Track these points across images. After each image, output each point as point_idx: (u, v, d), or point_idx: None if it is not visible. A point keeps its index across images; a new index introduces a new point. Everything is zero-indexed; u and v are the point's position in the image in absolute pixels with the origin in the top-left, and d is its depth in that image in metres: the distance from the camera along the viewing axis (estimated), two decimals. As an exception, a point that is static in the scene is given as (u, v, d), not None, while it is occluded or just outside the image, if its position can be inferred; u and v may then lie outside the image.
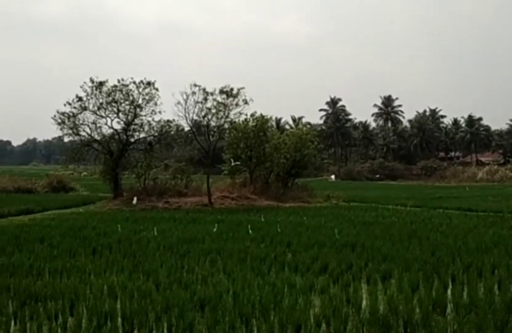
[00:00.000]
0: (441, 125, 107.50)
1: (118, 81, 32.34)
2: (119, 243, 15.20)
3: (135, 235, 16.96)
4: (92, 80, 32.16)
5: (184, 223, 20.75)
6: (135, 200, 29.93)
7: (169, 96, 32.74)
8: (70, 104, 32.38)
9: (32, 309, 8.55)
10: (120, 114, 32.79)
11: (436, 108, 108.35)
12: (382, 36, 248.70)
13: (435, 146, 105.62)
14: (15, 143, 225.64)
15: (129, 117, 32.91)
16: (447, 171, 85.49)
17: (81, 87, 32.24)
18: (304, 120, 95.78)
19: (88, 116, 32.81)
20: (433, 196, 39.06)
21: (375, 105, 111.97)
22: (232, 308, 8.36)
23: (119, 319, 8.03)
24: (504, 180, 71.10)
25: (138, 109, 32.76)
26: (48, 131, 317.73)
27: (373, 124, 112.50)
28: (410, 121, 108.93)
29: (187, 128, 36.88)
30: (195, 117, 32.72)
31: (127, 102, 32.61)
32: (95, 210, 28.52)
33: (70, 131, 33.26)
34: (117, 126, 33.43)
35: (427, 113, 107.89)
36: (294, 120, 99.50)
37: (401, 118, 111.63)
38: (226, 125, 33.74)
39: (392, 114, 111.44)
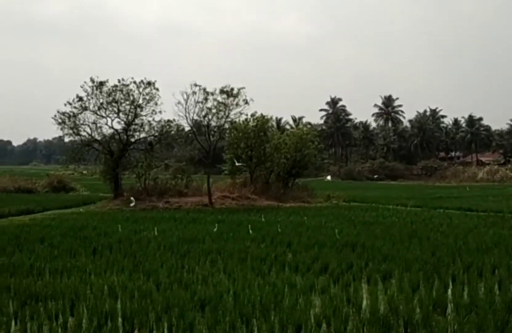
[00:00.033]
0: (442, 125, 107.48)
1: (119, 81, 32.39)
2: (120, 243, 15.20)
3: (135, 235, 16.96)
4: (92, 80, 32.22)
5: (184, 223, 20.75)
6: (133, 202, 29.80)
7: (169, 96, 32.78)
8: (70, 104, 32.43)
9: (33, 309, 8.55)
10: (121, 114, 32.82)
11: (437, 108, 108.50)
12: (383, 36, 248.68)
13: (435, 146, 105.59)
14: (16, 143, 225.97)
15: (130, 117, 32.92)
16: (447, 171, 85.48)
17: (81, 87, 32.31)
18: (304, 120, 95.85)
19: (89, 116, 32.88)
20: (434, 196, 39.05)
21: (375, 105, 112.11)
22: (232, 308, 8.36)
23: (120, 319, 8.03)
24: (504, 179, 71.08)
25: (138, 109, 32.78)
26: (49, 131, 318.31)
27: (374, 124, 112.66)
28: (410, 121, 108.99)
29: (187, 128, 36.89)
30: (196, 117, 32.78)
31: (127, 102, 32.62)
32: (95, 210, 28.53)
33: (71, 131, 33.28)
34: (118, 126, 33.50)
35: (428, 113, 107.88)
36: (294, 120, 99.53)
37: (401, 118, 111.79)
38: (226, 125, 33.74)
39: (392, 114, 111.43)
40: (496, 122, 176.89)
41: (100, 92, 32.27)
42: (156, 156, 36.11)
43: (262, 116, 34.97)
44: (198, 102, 31.73)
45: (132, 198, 30.25)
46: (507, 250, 13.56)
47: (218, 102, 31.91)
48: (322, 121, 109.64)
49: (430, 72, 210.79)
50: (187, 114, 31.94)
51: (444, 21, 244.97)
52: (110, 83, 32.32)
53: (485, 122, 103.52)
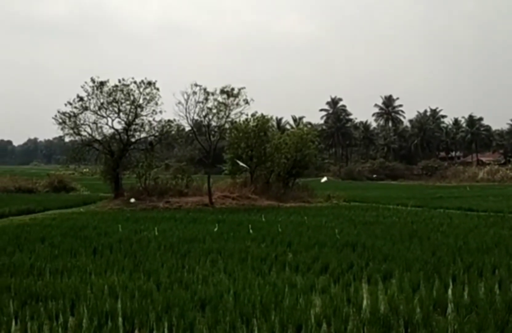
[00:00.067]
0: (442, 125, 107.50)
1: (119, 81, 32.38)
2: (120, 242, 15.20)
3: (135, 235, 16.97)
4: (93, 80, 32.21)
5: (184, 222, 20.76)
6: (132, 199, 29.97)
7: (169, 96, 32.79)
8: (71, 104, 32.42)
9: (33, 309, 8.56)
10: (121, 114, 32.82)
11: (437, 108, 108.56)
12: (383, 36, 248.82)
13: (435, 146, 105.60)
14: (16, 143, 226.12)
15: (130, 117, 32.92)
16: (447, 170, 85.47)
17: (82, 87, 32.30)
18: (304, 120, 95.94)
19: (89, 116, 32.87)
20: (434, 196, 39.04)
21: (375, 105, 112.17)
22: (232, 308, 8.36)
23: (120, 319, 8.03)
24: (504, 179, 71.06)
25: (139, 109, 32.78)
26: (49, 131, 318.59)
27: (374, 124, 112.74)
28: (410, 121, 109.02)
29: (188, 128, 36.86)
30: (196, 117, 32.79)
31: (128, 102, 32.62)
32: (96, 209, 28.53)
33: (71, 131, 33.27)
34: (118, 126, 33.49)
35: (428, 113, 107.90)
36: (295, 120, 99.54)
37: (401, 118, 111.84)
38: (227, 125, 33.74)
39: (392, 114, 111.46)
40: (496, 122, 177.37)
41: (101, 92, 32.28)
42: (157, 156, 36.12)
43: (263, 116, 35.01)
44: (198, 102, 31.78)
45: (132, 199, 30.30)
46: (508, 250, 13.56)
47: (219, 102, 31.94)
48: (322, 121, 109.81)
49: (430, 72, 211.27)
50: (188, 114, 32.00)
51: (444, 21, 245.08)
52: (111, 83, 32.37)
53: (485, 122, 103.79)
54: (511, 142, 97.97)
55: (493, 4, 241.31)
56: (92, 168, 39.52)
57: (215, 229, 18.13)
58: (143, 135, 34.26)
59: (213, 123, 33.80)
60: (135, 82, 32.45)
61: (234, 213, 25.72)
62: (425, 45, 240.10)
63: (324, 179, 35.33)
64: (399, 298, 8.97)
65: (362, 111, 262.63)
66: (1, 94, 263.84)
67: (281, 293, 9.33)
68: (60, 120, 32.62)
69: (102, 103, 32.44)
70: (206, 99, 31.74)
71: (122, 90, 32.35)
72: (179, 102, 31.59)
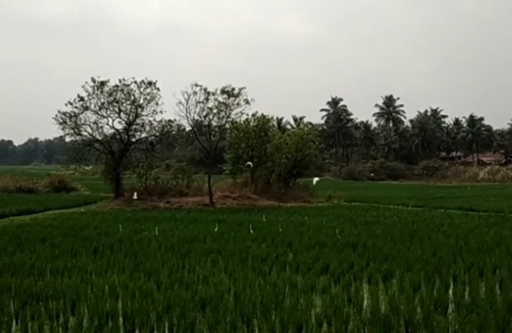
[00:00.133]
0: (443, 125, 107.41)
1: (120, 81, 32.39)
2: (121, 242, 15.20)
3: (136, 235, 16.97)
4: (93, 80, 32.21)
5: (185, 222, 20.76)
6: (135, 195, 30.05)
7: (170, 96, 32.78)
8: (71, 104, 32.43)
9: (34, 309, 8.56)
10: (122, 114, 32.82)
11: (438, 108, 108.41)
12: (383, 36, 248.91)
13: (436, 146, 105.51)
14: (17, 143, 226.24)
15: (131, 117, 32.92)
16: (448, 170, 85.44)
17: (82, 87, 32.30)
18: (305, 120, 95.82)
19: (90, 116, 32.87)
20: (435, 196, 39.03)
21: (376, 105, 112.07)
22: (233, 308, 8.36)
23: (121, 319, 8.03)
24: (505, 179, 71.03)
25: (139, 109, 32.78)
26: (50, 131, 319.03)
27: (375, 124, 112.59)
28: (411, 121, 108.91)
29: (188, 128, 36.87)
30: (197, 117, 32.81)
31: (128, 102, 32.62)
32: (96, 209, 28.54)
33: (72, 131, 33.26)
34: (119, 126, 33.49)
35: (429, 113, 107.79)
36: (295, 120, 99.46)
37: (402, 118, 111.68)
38: (227, 125, 33.76)
39: (393, 114, 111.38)
40: (497, 122, 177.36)
41: (101, 92, 32.28)
42: (157, 156, 36.12)
43: (263, 116, 35.01)
44: (199, 102, 31.78)
45: (135, 193, 30.39)
46: (508, 250, 13.55)
47: (219, 102, 31.93)
48: (323, 121, 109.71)
49: (430, 72, 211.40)
50: (188, 114, 32.00)
51: (444, 21, 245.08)
52: (111, 83, 32.38)
53: (486, 122, 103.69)
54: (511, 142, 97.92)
55: (493, 4, 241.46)
56: (93, 167, 39.52)
57: (216, 229, 18.13)
58: (143, 135, 34.32)
59: (214, 123, 33.84)
60: (135, 82, 32.50)
61: (235, 213, 25.71)
62: (425, 45, 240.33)
63: (316, 179, 35.10)
64: (400, 298, 8.96)
65: (363, 111, 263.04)
66: (1, 94, 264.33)
67: (282, 293, 9.33)
68: (61, 120, 32.65)
69: (102, 103, 32.46)
70: (207, 99, 31.76)
71: (122, 90, 32.36)
72: (180, 102, 31.63)
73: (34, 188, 43.62)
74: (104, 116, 32.87)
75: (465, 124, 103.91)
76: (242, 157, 34.44)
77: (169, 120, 34.35)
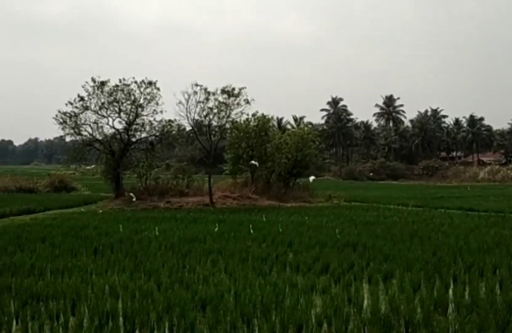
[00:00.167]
0: (443, 125, 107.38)
1: (120, 81, 32.37)
2: (121, 242, 15.21)
3: (136, 235, 16.97)
4: (93, 80, 32.19)
5: (185, 222, 20.76)
6: (133, 197, 30.07)
7: (170, 96, 32.80)
8: (71, 104, 32.42)
9: (34, 308, 8.56)
10: (122, 114, 32.80)
11: (438, 108, 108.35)
12: (383, 35, 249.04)
13: (436, 146, 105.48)
14: (17, 143, 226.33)
15: (131, 117, 32.92)
16: (448, 170, 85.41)
17: (82, 87, 32.28)
18: (305, 120, 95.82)
19: (90, 116, 32.85)
20: (435, 196, 39.02)
21: (376, 105, 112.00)
22: (233, 307, 8.36)
23: (121, 319, 8.04)
24: (505, 179, 71.00)
25: (139, 109, 32.76)
26: (50, 131, 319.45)
27: (375, 124, 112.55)
28: (411, 121, 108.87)
29: (188, 128, 36.86)
30: (197, 117, 32.82)
31: (128, 102, 32.61)
32: (96, 209, 28.53)
33: (72, 131, 33.25)
34: (119, 126, 33.47)
35: (429, 113, 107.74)
36: (295, 120, 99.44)
37: (402, 118, 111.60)
38: (227, 125, 33.75)
39: (393, 114, 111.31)
40: (497, 122, 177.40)
41: (101, 92, 32.27)
42: (157, 156, 36.10)
43: (263, 116, 35.01)
44: (199, 102, 31.77)
45: (131, 194, 30.40)
46: (508, 250, 13.56)
47: (219, 102, 31.93)
48: (323, 121, 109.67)
49: (430, 72, 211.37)
50: (188, 114, 31.99)
51: (444, 21, 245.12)
52: (111, 83, 32.36)
53: (486, 122, 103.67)
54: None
55: (493, 4, 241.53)
56: (93, 167, 39.52)
57: (216, 229, 18.12)
58: (143, 135, 34.29)
59: (214, 123, 33.84)
60: (135, 82, 32.48)
61: (235, 213, 25.72)
62: (425, 45, 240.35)
63: (312, 178, 35.15)
64: (400, 298, 8.97)
65: (363, 111, 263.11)
66: (1, 94, 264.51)
67: (282, 293, 9.34)
68: (61, 120, 32.64)
69: (102, 103, 32.45)
70: (207, 99, 31.76)
71: (122, 90, 32.36)
72: (180, 102, 31.63)
73: (34, 188, 43.62)
74: (104, 116, 32.89)
75: (465, 124, 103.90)
76: (243, 157, 34.44)
77: (169, 120, 34.37)
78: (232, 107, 32.05)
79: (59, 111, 32.60)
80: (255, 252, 13.39)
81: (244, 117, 33.54)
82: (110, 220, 21.81)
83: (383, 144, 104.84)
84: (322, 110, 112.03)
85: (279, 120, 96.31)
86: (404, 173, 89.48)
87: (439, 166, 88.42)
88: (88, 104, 32.43)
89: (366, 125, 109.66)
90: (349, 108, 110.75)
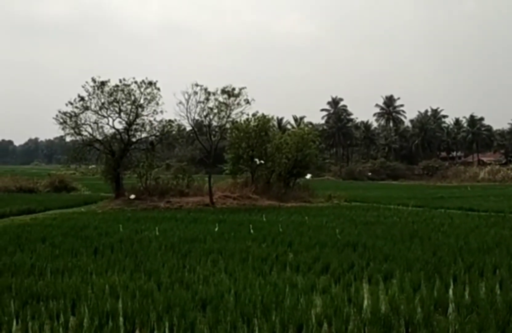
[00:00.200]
0: (443, 125, 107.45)
1: (120, 81, 32.36)
2: (121, 242, 15.20)
3: (136, 235, 16.97)
4: (94, 80, 32.17)
5: (185, 222, 20.76)
6: (132, 196, 30.15)
7: (170, 96, 32.78)
8: (72, 104, 32.41)
9: (34, 308, 8.56)
10: (122, 114, 32.79)
11: (438, 108, 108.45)
12: (383, 36, 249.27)
13: (436, 146, 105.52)
14: (17, 143, 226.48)
15: (131, 117, 32.91)
16: (448, 170, 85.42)
17: (83, 87, 32.26)
18: (305, 120, 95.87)
19: (90, 116, 32.84)
20: (435, 196, 39.01)
21: (376, 105, 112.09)
22: (233, 307, 8.36)
23: (121, 319, 8.04)
24: (506, 179, 71.01)
25: (139, 109, 32.76)
26: (50, 131, 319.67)
27: (375, 124, 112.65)
28: (411, 121, 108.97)
29: (188, 128, 36.86)
30: (197, 117, 32.80)
31: (128, 102, 32.60)
32: (96, 209, 28.53)
33: (72, 131, 33.25)
34: (119, 126, 33.46)
35: (429, 113, 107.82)
36: (296, 120, 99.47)
37: (402, 118, 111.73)
38: (227, 125, 33.75)
39: (393, 114, 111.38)
40: (497, 122, 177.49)
41: (102, 92, 32.26)
42: (158, 156, 36.11)
43: (264, 116, 35.00)
44: (199, 102, 31.75)
45: (132, 196, 30.45)
46: (508, 250, 13.55)
47: (220, 102, 31.93)
48: (323, 121, 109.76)
49: (430, 72, 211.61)
50: (189, 114, 31.96)
51: (444, 21, 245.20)
52: (112, 83, 32.36)
53: (486, 122, 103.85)
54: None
55: (493, 4, 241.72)
56: (93, 167, 39.53)
57: (216, 229, 18.13)
58: (144, 135, 34.28)
59: (214, 123, 33.84)
60: (136, 82, 32.46)
61: (235, 213, 25.71)
62: (425, 45, 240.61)
63: (309, 175, 35.25)
64: (400, 298, 8.97)
65: (363, 111, 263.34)
66: (1, 94, 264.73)
67: (282, 293, 9.33)
68: (61, 120, 32.63)
69: (103, 103, 32.44)
70: (207, 99, 31.75)
71: (123, 90, 32.35)
72: (180, 102, 31.61)
73: (34, 188, 43.61)
74: (104, 116, 32.88)
75: (465, 124, 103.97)
76: (243, 157, 34.46)
77: (170, 120, 34.36)
78: (232, 107, 32.06)
79: (59, 111, 32.63)
80: (255, 252, 13.38)
81: (244, 117, 33.58)
82: (110, 220, 21.81)
83: (383, 145, 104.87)
84: (322, 110, 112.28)
85: (279, 120, 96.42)
86: (404, 173, 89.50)
87: (439, 166, 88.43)
88: (88, 104, 32.44)
89: (366, 125, 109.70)
90: (349, 108, 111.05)
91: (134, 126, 33.26)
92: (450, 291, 9.67)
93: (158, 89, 32.75)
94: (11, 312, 8.33)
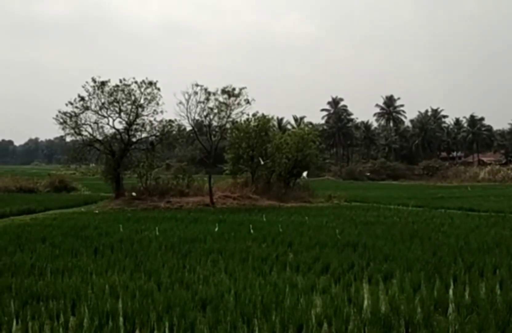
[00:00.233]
0: (443, 125, 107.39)
1: (120, 81, 32.37)
2: (121, 242, 15.21)
3: (136, 235, 16.97)
4: (94, 80, 32.18)
5: (185, 222, 20.76)
6: (133, 194, 30.16)
7: (170, 96, 32.82)
8: (72, 104, 32.42)
9: (34, 308, 8.56)
10: (122, 114, 32.80)
11: (438, 108, 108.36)
12: (383, 36, 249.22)
13: (437, 146, 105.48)
14: (17, 143, 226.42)
15: (131, 117, 32.92)
16: (449, 170, 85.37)
17: (83, 87, 32.28)
18: (306, 120, 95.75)
19: (90, 116, 32.85)
20: (435, 196, 39.01)
21: (377, 105, 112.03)
22: (233, 308, 8.36)
23: (121, 319, 8.04)
24: (506, 180, 70.99)
25: (140, 109, 32.76)
26: (50, 131, 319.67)
27: (375, 124, 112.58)
28: (412, 121, 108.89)
29: (189, 128, 36.87)
30: (197, 117, 32.84)
31: (129, 102, 32.61)
32: (95, 210, 28.53)
33: (72, 131, 33.26)
34: (119, 126, 33.47)
35: (429, 113, 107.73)
36: (296, 120, 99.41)
37: (403, 118, 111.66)
38: (228, 125, 33.76)
39: (394, 114, 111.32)
40: (497, 122, 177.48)
41: (102, 92, 32.27)
42: (158, 156, 36.11)
43: (264, 116, 35.01)
44: (199, 102, 31.77)
45: (133, 194, 30.50)
46: (509, 250, 13.55)
47: (220, 102, 31.94)
48: (323, 121, 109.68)
49: (430, 72, 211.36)
50: (189, 114, 31.99)
51: (444, 21, 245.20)
52: (112, 83, 32.37)
53: (486, 122, 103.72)
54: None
55: (493, 4, 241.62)
56: (94, 167, 39.55)
57: (216, 229, 18.12)
58: (144, 135, 34.29)
59: (214, 123, 33.85)
60: (136, 82, 32.48)
61: (235, 213, 25.71)
62: (425, 45, 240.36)
63: (305, 173, 35.33)
64: (400, 298, 8.97)
65: (363, 111, 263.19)
66: (1, 94, 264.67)
67: (282, 293, 9.33)
68: (61, 120, 32.64)
69: (103, 103, 32.45)
70: (207, 99, 31.76)
71: (123, 90, 32.36)
72: (180, 102, 31.63)
73: (34, 188, 43.63)
74: (104, 116, 32.89)
75: (465, 125, 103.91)
76: (243, 157, 34.46)
77: (170, 120, 34.37)
78: (232, 107, 32.08)
79: (60, 111, 32.64)
80: (255, 252, 13.38)
81: (245, 117, 33.60)
82: (111, 220, 21.81)
83: (383, 145, 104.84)
84: (322, 110, 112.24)
85: (280, 120, 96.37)
86: (404, 173, 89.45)
87: (439, 166, 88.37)
88: (88, 104, 32.46)
89: (367, 126, 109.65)
90: (349, 108, 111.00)
91: (134, 126, 33.26)
92: (450, 291, 9.67)
93: (158, 89, 32.80)
94: (11, 312, 8.33)
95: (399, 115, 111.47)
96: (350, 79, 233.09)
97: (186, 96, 31.49)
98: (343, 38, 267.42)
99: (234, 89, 31.82)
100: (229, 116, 32.48)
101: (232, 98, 31.83)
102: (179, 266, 11.78)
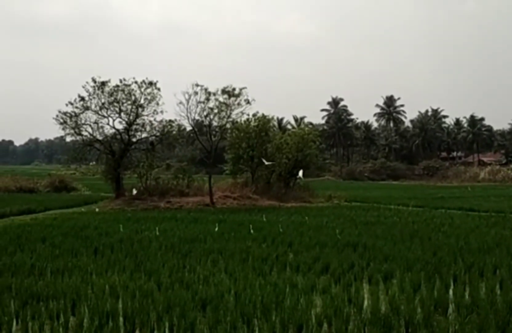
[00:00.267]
0: (443, 125, 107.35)
1: (120, 81, 32.42)
2: (121, 242, 15.21)
3: (136, 235, 16.97)
4: (94, 80, 32.23)
5: (185, 222, 20.76)
6: (134, 191, 30.19)
7: (170, 96, 32.90)
8: (72, 104, 32.46)
9: (34, 308, 8.56)
10: (122, 114, 32.84)
11: (438, 108, 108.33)
12: (383, 36, 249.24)
13: (437, 146, 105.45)
14: (17, 143, 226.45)
15: (131, 117, 32.95)
16: (449, 171, 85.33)
17: (83, 87, 32.34)
18: (306, 120, 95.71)
19: (90, 116, 32.93)
20: (435, 196, 39.01)
21: (377, 105, 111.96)
22: (233, 308, 8.36)
23: (121, 319, 8.04)
24: (506, 180, 70.97)
25: (140, 109, 32.80)
26: (50, 131, 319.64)
27: (375, 125, 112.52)
28: (412, 121, 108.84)
29: (189, 128, 36.87)
30: (197, 117, 32.87)
31: (129, 102, 32.65)
32: (95, 209, 28.52)
33: (72, 131, 33.30)
34: (119, 126, 33.53)
35: (429, 113, 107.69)
36: (296, 120, 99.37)
37: (403, 118, 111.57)
38: (228, 125, 33.76)
39: (394, 114, 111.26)
40: (498, 122, 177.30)
41: (102, 92, 32.30)
42: (158, 156, 36.11)
43: (264, 116, 35.02)
44: (199, 102, 31.81)
45: (134, 190, 30.56)
46: (509, 250, 13.55)
47: (220, 102, 31.95)
48: (323, 121, 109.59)
49: (430, 72, 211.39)
50: (189, 114, 32.03)
51: (444, 21, 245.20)
52: (112, 83, 32.41)
53: (486, 122, 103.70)
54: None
55: (493, 4, 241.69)
56: (93, 167, 39.56)
57: (216, 229, 18.12)
58: (144, 135, 34.35)
59: (214, 123, 33.85)
60: (136, 82, 32.52)
61: (235, 213, 25.71)
62: (425, 45, 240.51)
63: (301, 172, 35.38)
64: (400, 298, 8.97)
65: (363, 111, 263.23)
66: (1, 94, 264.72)
67: (282, 293, 9.33)
68: (61, 120, 32.68)
69: (103, 103, 32.49)
70: (207, 99, 31.78)
71: (123, 90, 32.38)
72: (180, 102, 31.65)
73: (34, 188, 43.65)
74: (104, 116, 32.95)
75: (465, 125, 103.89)
76: (243, 158, 34.46)
77: (170, 120, 34.40)
78: (232, 108, 32.09)
79: (60, 111, 32.69)
80: (255, 252, 13.38)
81: (245, 117, 33.62)
82: (111, 220, 21.82)
83: (383, 145, 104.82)
84: (322, 110, 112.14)
85: (280, 121, 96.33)
86: (404, 173, 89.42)
87: (439, 166, 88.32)
88: (88, 104, 32.52)
89: (367, 126, 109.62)
90: (350, 109, 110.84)
91: (134, 126, 33.29)
92: (450, 291, 9.67)
93: (158, 89, 32.83)
94: (11, 312, 8.33)
95: (399, 116, 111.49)
96: (350, 79, 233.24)
97: (186, 96, 31.55)
98: (343, 38, 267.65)
99: (234, 89, 31.87)
100: (229, 117, 32.50)
101: (232, 98, 31.85)
102: (179, 266, 11.79)
